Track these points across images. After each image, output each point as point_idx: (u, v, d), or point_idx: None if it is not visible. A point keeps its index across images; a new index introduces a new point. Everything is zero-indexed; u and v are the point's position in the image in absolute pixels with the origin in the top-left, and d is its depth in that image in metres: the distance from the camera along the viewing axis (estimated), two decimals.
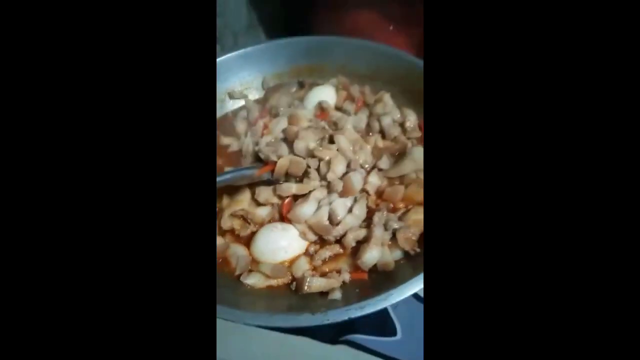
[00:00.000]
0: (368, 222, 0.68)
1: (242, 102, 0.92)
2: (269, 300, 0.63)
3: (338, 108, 0.85)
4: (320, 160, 0.71)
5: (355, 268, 0.65)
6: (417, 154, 0.75)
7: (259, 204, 0.72)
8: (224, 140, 0.85)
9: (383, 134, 0.81)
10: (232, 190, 0.74)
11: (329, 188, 0.70)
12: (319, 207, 0.68)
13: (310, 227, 0.67)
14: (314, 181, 0.71)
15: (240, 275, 0.66)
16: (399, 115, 0.83)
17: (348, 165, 0.72)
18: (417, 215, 0.68)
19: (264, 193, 0.71)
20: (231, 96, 0.92)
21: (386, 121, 0.81)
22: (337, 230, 0.67)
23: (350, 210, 0.68)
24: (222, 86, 0.91)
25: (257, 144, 0.78)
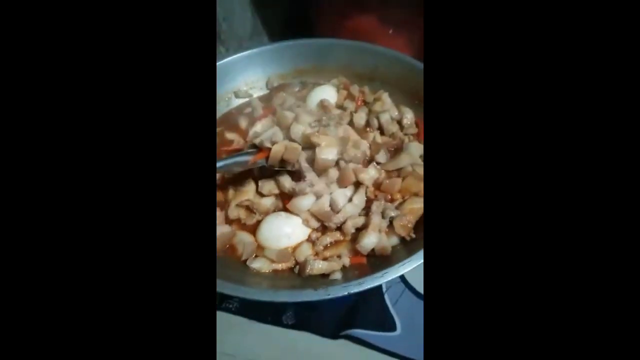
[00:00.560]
0: (367, 211, 0.72)
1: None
2: (274, 281, 0.66)
3: (339, 106, 0.90)
4: (316, 146, 0.72)
5: (355, 253, 0.69)
6: (413, 148, 0.79)
7: (263, 194, 0.76)
8: (228, 135, 0.89)
9: (381, 130, 0.86)
10: (237, 182, 0.78)
11: (326, 178, 0.73)
12: (320, 196, 0.72)
13: (313, 214, 0.71)
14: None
15: (246, 260, 0.69)
16: (396, 113, 0.87)
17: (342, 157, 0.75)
18: (413, 205, 0.72)
19: (267, 185, 0.75)
20: (237, 95, 0.96)
21: (384, 118, 0.85)
22: (338, 218, 0.70)
23: (350, 200, 0.72)
24: (228, 86, 0.95)
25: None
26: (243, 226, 0.74)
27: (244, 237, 0.72)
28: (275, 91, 0.96)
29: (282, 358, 0.76)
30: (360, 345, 0.76)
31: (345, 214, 0.71)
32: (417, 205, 0.71)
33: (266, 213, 0.74)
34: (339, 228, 0.72)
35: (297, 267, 0.68)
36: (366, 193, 0.74)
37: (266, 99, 0.95)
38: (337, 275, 0.65)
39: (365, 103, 0.92)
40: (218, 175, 0.78)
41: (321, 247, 0.70)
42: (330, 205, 0.71)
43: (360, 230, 0.70)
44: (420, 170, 0.76)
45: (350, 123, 0.86)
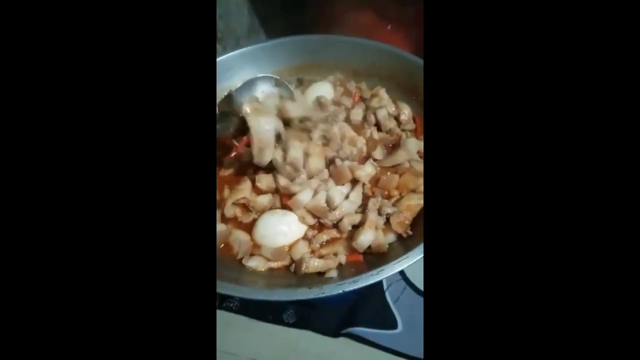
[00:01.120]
0: (363, 208, 0.71)
1: None
2: (269, 279, 0.66)
3: (335, 103, 0.89)
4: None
5: (351, 250, 0.68)
6: (411, 144, 0.78)
7: (259, 192, 0.75)
8: None
9: (378, 126, 0.85)
10: (233, 181, 0.78)
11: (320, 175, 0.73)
12: (316, 193, 0.71)
13: (309, 211, 0.70)
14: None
15: (242, 259, 0.69)
16: (394, 109, 0.86)
17: (337, 153, 0.75)
18: (410, 202, 0.71)
19: (265, 179, 0.75)
20: None
21: (381, 114, 0.84)
22: (334, 215, 0.70)
23: (347, 197, 0.72)
24: (224, 84, 0.93)
25: None
26: (239, 224, 0.74)
27: (240, 235, 0.71)
28: None
29: (283, 357, 0.76)
30: (362, 343, 0.76)
31: (341, 211, 0.70)
32: (414, 202, 0.70)
33: (262, 211, 0.74)
34: (336, 225, 0.71)
35: (293, 265, 0.68)
36: (363, 190, 0.74)
37: None
38: (333, 273, 0.64)
39: (362, 99, 0.91)
40: None
41: (317, 245, 0.69)
42: (327, 203, 0.71)
43: (356, 227, 0.70)
44: (417, 167, 0.75)
45: (347, 120, 0.85)
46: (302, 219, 0.71)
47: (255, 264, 0.68)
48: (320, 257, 0.67)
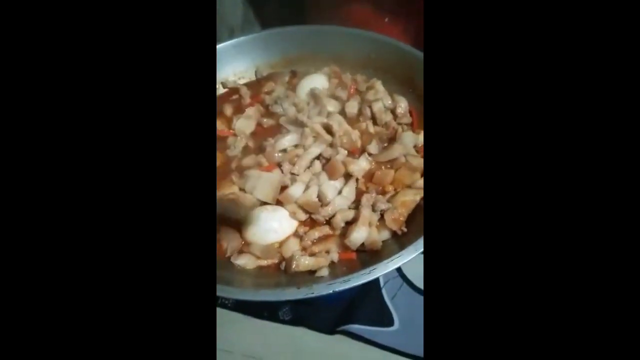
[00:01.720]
0: (357, 204, 0.69)
1: None
2: (258, 278, 0.64)
3: (330, 95, 0.87)
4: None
5: (344, 248, 0.66)
6: (407, 138, 0.76)
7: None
8: None
9: (374, 120, 0.82)
10: (221, 175, 0.76)
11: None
12: (307, 187, 0.69)
13: (300, 206, 0.68)
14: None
15: (230, 256, 0.66)
16: (390, 102, 0.84)
17: (332, 147, 0.73)
18: (405, 197, 0.68)
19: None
20: (225, 85, 0.93)
21: (377, 107, 0.82)
22: (327, 211, 0.68)
23: (340, 192, 0.70)
24: (217, 76, 0.92)
25: None
26: (228, 220, 0.71)
27: (229, 232, 0.69)
28: (264, 80, 0.93)
29: (279, 354, 0.76)
30: (358, 340, 0.75)
31: (334, 207, 0.68)
32: (409, 198, 0.68)
33: (252, 207, 0.71)
34: (328, 222, 0.69)
35: (284, 263, 0.65)
36: (357, 185, 0.72)
37: (255, 87, 0.92)
38: (325, 272, 0.61)
39: (357, 92, 0.88)
40: None
41: (309, 242, 0.67)
42: (319, 198, 0.69)
43: (349, 224, 0.67)
44: (413, 161, 0.73)
45: (342, 112, 0.83)
46: (293, 214, 0.69)
47: (244, 262, 0.66)
48: (312, 254, 0.65)
